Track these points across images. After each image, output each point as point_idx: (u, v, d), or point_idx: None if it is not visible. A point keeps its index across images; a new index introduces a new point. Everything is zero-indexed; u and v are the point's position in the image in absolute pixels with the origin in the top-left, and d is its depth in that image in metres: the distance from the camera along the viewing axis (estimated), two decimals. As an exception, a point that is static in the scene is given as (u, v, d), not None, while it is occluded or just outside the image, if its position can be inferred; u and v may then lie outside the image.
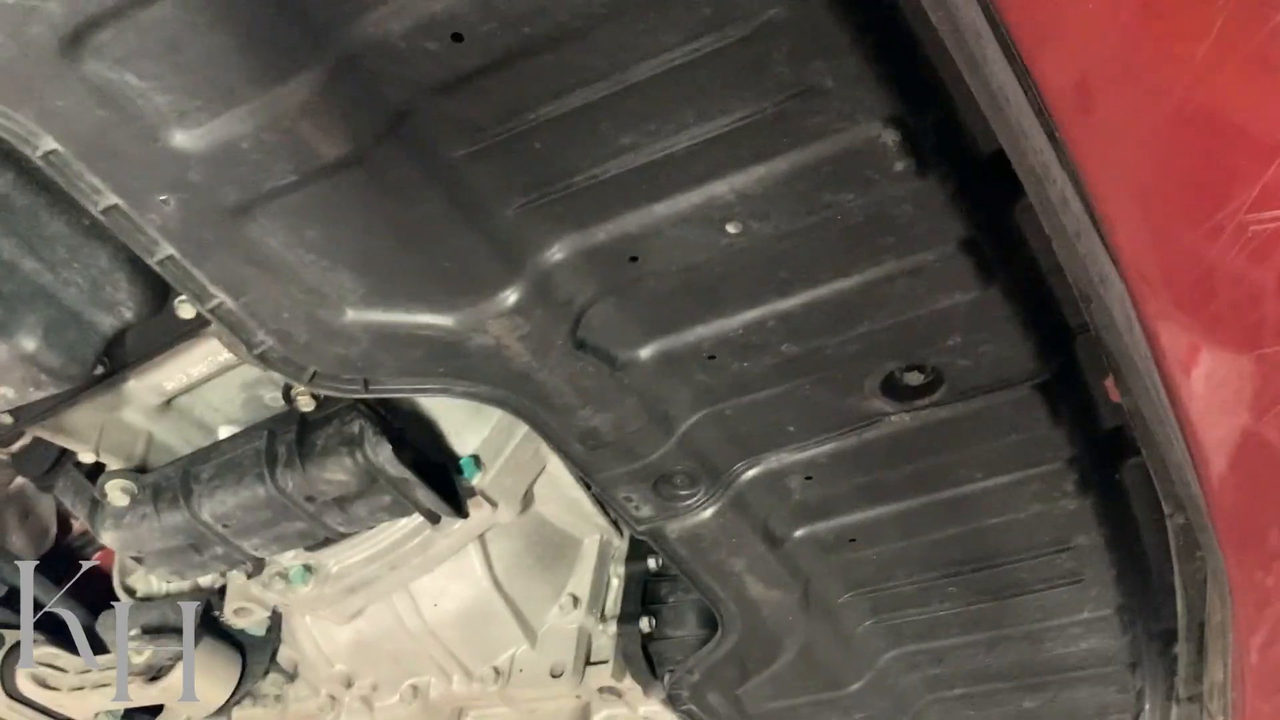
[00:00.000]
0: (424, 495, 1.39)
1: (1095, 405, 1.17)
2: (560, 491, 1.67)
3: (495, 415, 1.55)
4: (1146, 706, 1.59)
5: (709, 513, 1.23)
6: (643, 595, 1.69)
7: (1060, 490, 1.22)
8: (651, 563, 1.70)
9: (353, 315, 0.99)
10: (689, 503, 1.22)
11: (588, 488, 1.68)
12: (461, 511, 1.45)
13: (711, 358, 1.07)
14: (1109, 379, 1.04)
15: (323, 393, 1.31)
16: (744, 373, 1.09)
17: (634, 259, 0.97)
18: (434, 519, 1.44)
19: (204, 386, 1.50)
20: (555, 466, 1.65)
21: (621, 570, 1.73)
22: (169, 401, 1.51)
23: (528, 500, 1.61)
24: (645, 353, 1.07)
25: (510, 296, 0.97)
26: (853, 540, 1.32)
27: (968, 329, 1.03)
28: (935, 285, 0.98)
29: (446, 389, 1.06)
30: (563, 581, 1.73)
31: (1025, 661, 1.51)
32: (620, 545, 1.75)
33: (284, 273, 0.95)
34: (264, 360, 1.03)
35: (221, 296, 0.97)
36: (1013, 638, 1.46)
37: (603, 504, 1.70)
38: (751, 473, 1.22)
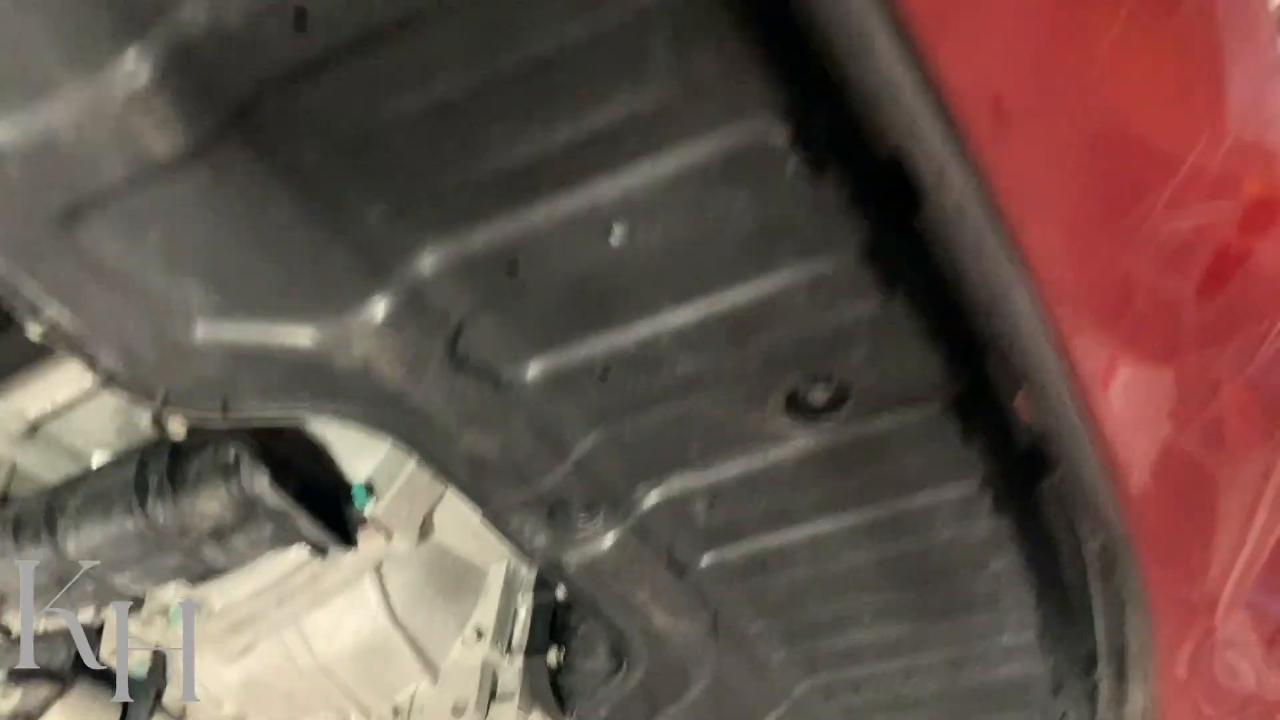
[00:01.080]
0: (307, 526, 1.29)
1: (1009, 423, 1.12)
2: (462, 518, 1.58)
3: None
4: (1070, 732, 1.54)
5: (609, 541, 1.16)
6: (551, 625, 1.61)
7: (975, 512, 1.16)
8: (561, 591, 1.62)
9: (205, 331, 0.90)
10: (587, 531, 1.15)
11: (492, 514, 1.60)
12: (349, 542, 1.36)
13: (604, 376, 1.00)
14: (1019, 396, 0.99)
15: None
16: (640, 391, 1.02)
17: (513, 270, 0.89)
18: (320, 551, 1.35)
19: (73, 411, 1.39)
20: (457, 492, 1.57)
21: (529, 600, 1.64)
22: (35, 428, 1.40)
23: (426, 528, 1.53)
24: (532, 371, 0.99)
25: (377, 309, 0.89)
26: (762, 566, 1.25)
27: (872, 342, 0.97)
28: (836, 296, 0.92)
29: (314, 410, 0.97)
30: (466, 613, 1.64)
31: (945, 689, 1.46)
32: (527, 574, 1.67)
33: (124, 283, 0.86)
34: (112, 382, 0.94)
35: (57, 311, 0.88)
36: (931, 665, 1.41)
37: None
38: (653, 498, 1.15)
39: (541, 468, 1.07)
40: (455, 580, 1.62)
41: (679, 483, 1.14)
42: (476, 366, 0.97)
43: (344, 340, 0.91)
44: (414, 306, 0.90)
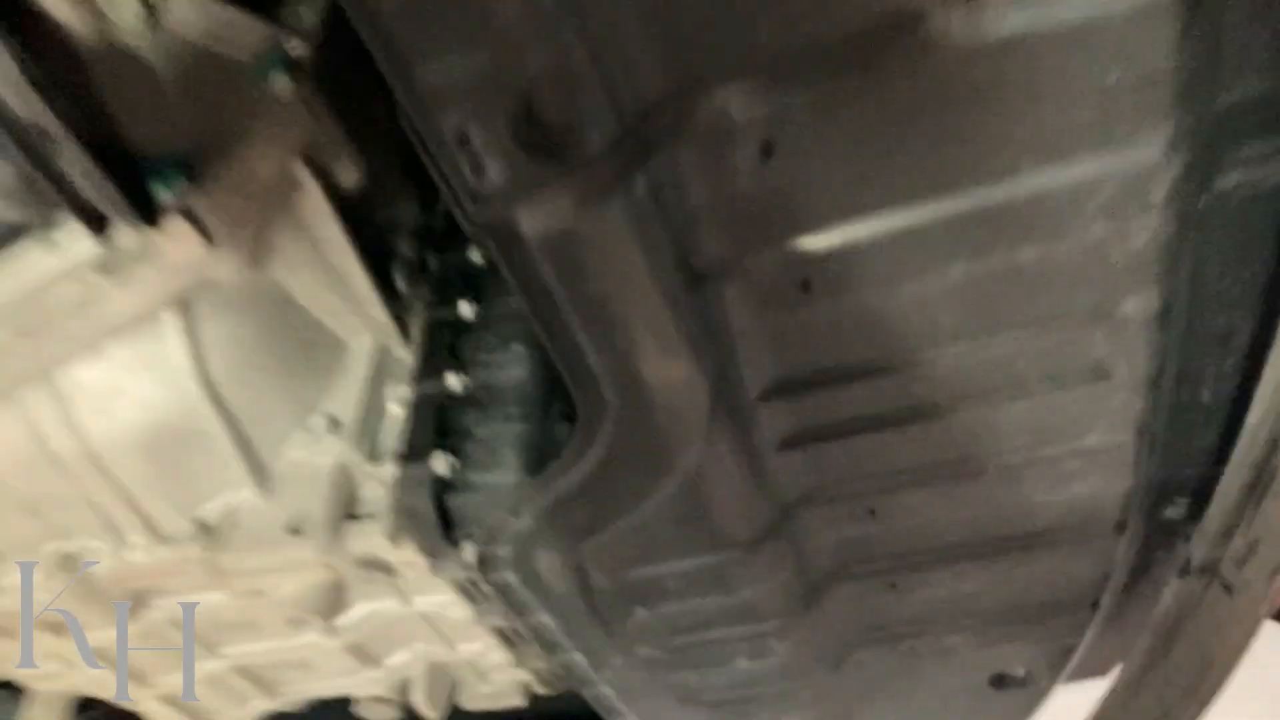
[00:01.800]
0: (79, 167, 0.79)
1: (1222, 56, 0.74)
2: (320, 258, 1.09)
3: (216, 104, 0.97)
4: (1107, 590, 1.21)
5: (599, 194, 0.71)
6: (440, 427, 1.14)
7: (1139, 200, 0.79)
8: (454, 381, 1.15)
9: None
10: (569, 163, 0.70)
11: (366, 257, 1.12)
12: (149, 218, 0.86)
13: None
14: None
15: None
16: None
17: None
18: (96, 226, 0.84)
19: None
20: (315, 222, 1.08)
21: (405, 395, 1.17)
22: None
23: (266, 254, 1.03)
24: None
25: None
26: (805, 285, 0.84)
27: None
28: None
29: None
30: (314, 396, 1.15)
31: (986, 516, 1.09)
32: (406, 358, 1.19)
33: None
34: None
35: None
36: (982, 474, 1.03)
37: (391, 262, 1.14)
38: (682, 119, 0.71)
39: (524, 15, 0.62)
40: (302, 348, 1.13)
41: (727, 96, 0.71)
42: None
43: None
44: None
